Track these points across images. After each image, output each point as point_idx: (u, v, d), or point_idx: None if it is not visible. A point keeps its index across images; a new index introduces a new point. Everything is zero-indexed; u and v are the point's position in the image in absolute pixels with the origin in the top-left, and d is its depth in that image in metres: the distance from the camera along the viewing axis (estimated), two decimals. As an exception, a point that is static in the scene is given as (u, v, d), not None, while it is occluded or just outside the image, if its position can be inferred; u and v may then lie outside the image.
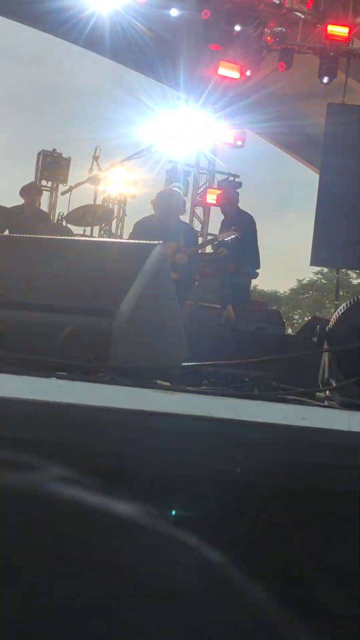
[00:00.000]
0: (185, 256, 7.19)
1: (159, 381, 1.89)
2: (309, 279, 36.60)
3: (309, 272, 35.93)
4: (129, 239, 7.44)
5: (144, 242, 2.15)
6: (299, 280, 37.05)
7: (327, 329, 2.05)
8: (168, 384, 1.93)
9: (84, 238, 7.33)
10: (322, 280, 35.46)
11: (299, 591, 1.80)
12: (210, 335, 7.82)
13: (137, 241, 2.33)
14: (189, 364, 2.07)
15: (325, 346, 2.05)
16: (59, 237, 5.79)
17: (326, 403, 2.09)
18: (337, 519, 1.83)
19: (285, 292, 37.79)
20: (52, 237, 2.94)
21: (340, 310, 2.07)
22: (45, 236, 2.72)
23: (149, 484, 1.67)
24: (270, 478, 1.76)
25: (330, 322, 2.08)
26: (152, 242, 2.11)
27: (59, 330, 1.81)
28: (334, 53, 12.17)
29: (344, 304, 2.06)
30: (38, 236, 2.34)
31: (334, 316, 2.10)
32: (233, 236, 7.92)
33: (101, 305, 1.94)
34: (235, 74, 12.67)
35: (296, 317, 36.16)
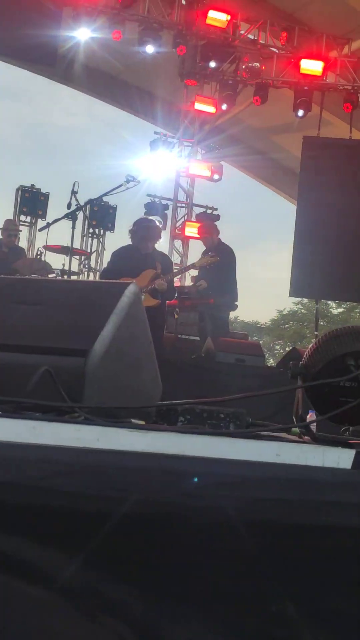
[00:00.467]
0: (165, 282, 7.32)
1: (133, 420, 1.89)
2: (289, 309, 36.69)
3: (289, 303, 35.99)
4: (107, 268, 7.53)
5: (117, 281, 2.16)
6: (280, 311, 37.13)
7: (300, 364, 2.07)
8: (143, 422, 1.93)
9: (59, 278, 7.38)
10: (303, 310, 35.56)
11: (280, 630, 1.79)
12: (191, 368, 7.84)
13: (110, 281, 2.35)
14: (163, 402, 2.07)
15: (299, 382, 2.06)
16: (32, 277, 5.82)
17: (302, 438, 2.09)
18: (313, 554, 1.82)
19: (266, 322, 37.85)
20: (24, 277, 2.96)
21: (314, 346, 2.09)
22: (17, 277, 2.72)
23: (125, 525, 1.67)
24: (245, 515, 1.76)
25: (304, 358, 2.09)
26: (125, 281, 2.13)
27: (32, 371, 1.81)
28: (309, 87, 12.34)
29: (315, 340, 2.07)
30: (10, 276, 2.35)
31: (307, 351, 2.11)
32: (211, 262, 7.97)
33: (75, 345, 1.95)
34: (211, 109, 12.82)
35: (277, 347, 36.20)
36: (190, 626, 1.67)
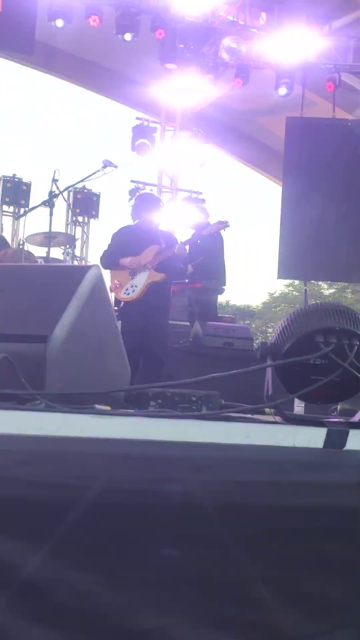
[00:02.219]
0: (184, 248, 7.15)
1: (97, 406, 1.85)
2: (280, 292, 36.64)
3: (280, 285, 35.93)
4: (106, 250, 7.26)
5: (78, 265, 2.12)
6: (271, 294, 37.09)
7: (269, 343, 2.03)
8: (108, 407, 1.89)
9: (28, 264, 7.23)
10: (294, 292, 35.50)
11: (255, 614, 1.76)
12: (179, 353, 7.81)
13: (70, 265, 2.30)
14: (129, 387, 2.03)
15: (269, 360, 2.02)
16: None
17: (274, 419, 2.06)
18: (286, 536, 1.79)
19: (257, 305, 37.80)
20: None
21: (282, 324, 2.05)
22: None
23: (90, 513, 1.63)
24: (214, 499, 1.72)
25: (273, 336, 2.05)
26: (88, 265, 2.08)
27: (-10, 360, 1.76)
28: (290, 67, 12.25)
29: (284, 319, 2.03)
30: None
31: (275, 330, 2.07)
32: (220, 229, 7.54)
33: (34, 331, 1.90)
34: (193, 92, 12.71)
35: (270, 330, 36.15)
36: (163, 614, 1.64)
